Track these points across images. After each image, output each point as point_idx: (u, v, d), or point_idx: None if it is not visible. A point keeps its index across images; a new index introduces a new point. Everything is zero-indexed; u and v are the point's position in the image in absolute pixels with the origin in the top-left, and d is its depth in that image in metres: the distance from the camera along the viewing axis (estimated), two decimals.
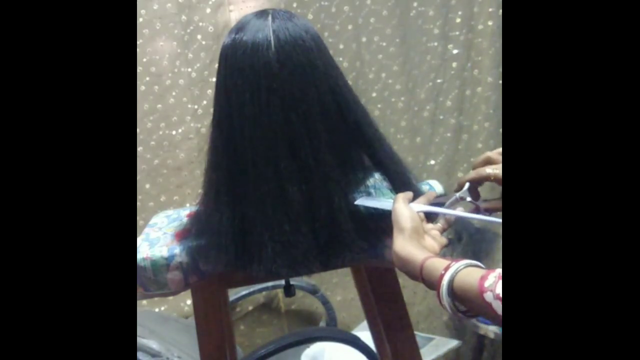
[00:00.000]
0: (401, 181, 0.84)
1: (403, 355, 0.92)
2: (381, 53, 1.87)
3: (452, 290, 0.63)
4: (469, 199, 0.78)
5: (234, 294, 1.72)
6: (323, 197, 0.78)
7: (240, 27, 0.79)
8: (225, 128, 0.80)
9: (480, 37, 1.88)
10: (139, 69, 1.76)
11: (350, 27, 1.85)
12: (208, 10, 1.77)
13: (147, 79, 1.78)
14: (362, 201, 0.80)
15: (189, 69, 1.79)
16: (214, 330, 0.92)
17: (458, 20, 1.87)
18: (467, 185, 0.78)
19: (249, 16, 0.80)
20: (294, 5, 1.79)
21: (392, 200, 0.77)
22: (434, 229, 0.75)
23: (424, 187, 0.90)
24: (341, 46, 1.85)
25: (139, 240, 0.90)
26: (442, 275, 0.64)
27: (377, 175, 0.86)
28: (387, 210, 0.77)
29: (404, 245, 0.71)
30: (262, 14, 0.80)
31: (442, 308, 0.65)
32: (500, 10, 1.85)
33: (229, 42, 0.79)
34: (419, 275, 0.67)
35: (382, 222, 0.82)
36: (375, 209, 0.80)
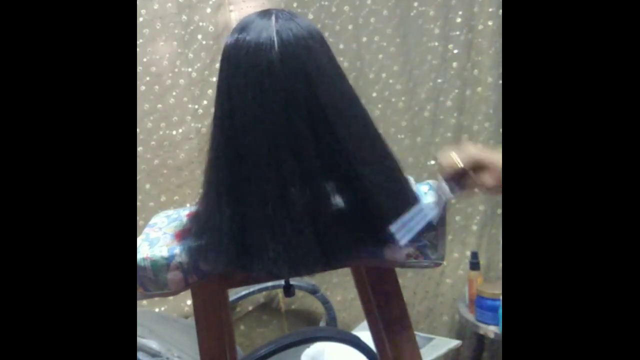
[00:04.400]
0: (395, 184, 0.84)
1: (403, 355, 0.92)
2: (381, 53, 1.87)
3: None
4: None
5: (234, 294, 1.72)
6: (325, 198, 0.78)
7: (243, 27, 0.79)
8: (227, 128, 0.80)
9: (480, 37, 1.88)
10: (139, 69, 1.76)
11: (350, 27, 1.85)
12: (208, 10, 1.77)
13: (148, 78, 1.78)
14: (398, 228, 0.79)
15: (190, 69, 1.79)
16: (214, 330, 0.92)
17: (458, 20, 1.88)
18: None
19: (252, 16, 0.80)
20: (294, 5, 1.79)
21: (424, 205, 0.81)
22: None
23: (424, 187, 0.90)
24: (341, 46, 1.85)
25: (139, 240, 0.90)
26: None
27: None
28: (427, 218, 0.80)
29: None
30: (265, 14, 0.79)
31: None
32: (500, 10, 1.85)
33: (232, 41, 0.79)
34: None
35: (383, 222, 0.82)
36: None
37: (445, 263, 0.90)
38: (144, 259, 0.85)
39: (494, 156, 0.82)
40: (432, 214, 0.81)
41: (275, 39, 0.76)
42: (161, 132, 1.81)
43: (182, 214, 0.99)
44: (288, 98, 0.76)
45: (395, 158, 0.86)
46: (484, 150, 0.84)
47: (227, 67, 0.80)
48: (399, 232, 0.78)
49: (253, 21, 0.79)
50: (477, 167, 0.83)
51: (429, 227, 0.82)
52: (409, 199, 0.83)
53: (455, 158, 0.83)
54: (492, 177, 0.81)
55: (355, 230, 0.80)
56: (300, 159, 0.77)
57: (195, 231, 0.85)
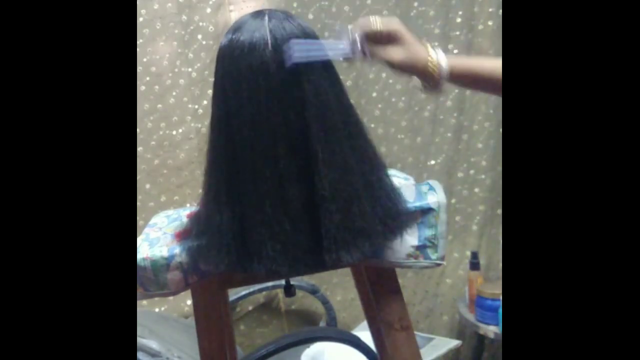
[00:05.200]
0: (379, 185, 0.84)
1: (403, 355, 0.92)
2: None
3: None
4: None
5: (234, 294, 1.72)
6: (323, 197, 0.78)
7: (237, 28, 0.79)
8: (224, 128, 0.80)
9: (480, 37, 1.88)
10: (139, 68, 1.76)
11: (350, 27, 1.84)
12: (208, 10, 1.77)
13: (148, 78, 1.78)
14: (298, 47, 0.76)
15: (190, 69, 1.79)
16: (214, 330, 0.92)
17: (458, 20, 1.87)
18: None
19: (246, 17, 0.81)
20: (294, 5, 1.79)
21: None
22: None
23: (424, 187, 0.90)
24: None
25: (139, 240, 0.90)
26: None
27: (392, 171, 0.87)
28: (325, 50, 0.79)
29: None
30: (258, 14, 0.80)
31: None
32: (500, 10, 1.85)
33: (226, 42, 0.79)
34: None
35: (383, 222, 0.82)
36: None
37: (445, 263, 0.90)
38: (144, 259, 0.85)
39: (412, 39, 0.82)
40: (336, 51, 0.80)
41: (269, 38, 0.76)
42: (161, 132, 1.81)
43: (182, 214, 0.99)
44: (283, 97, 0.77)
45: (383, 159, 0.87)
46: (406, 29, 0.83)
47: (222, 67, 0.80)
48: (294, 48, 0.75)
49: (246, 22, 0.79)
50: (390, 39, 0.82)
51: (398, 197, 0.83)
52: (399, 198, 0.84)
53: (376, 20, 0.82)
54: (400, 54, 0.81)
55: (355, 230, 0.80)
56: (297, 157, 0.78)
57: (195, 231, 0.85)
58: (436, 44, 0.81)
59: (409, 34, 0.82)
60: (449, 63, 0.81)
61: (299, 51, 0.75)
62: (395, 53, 0.82)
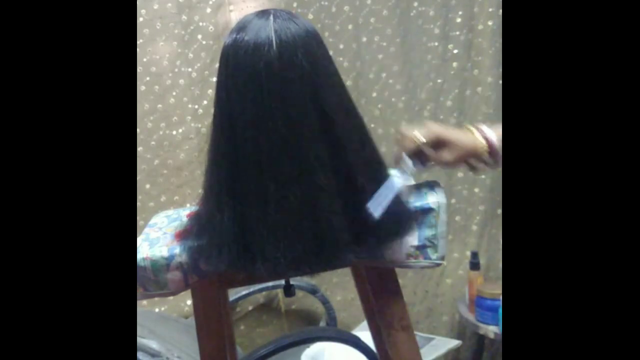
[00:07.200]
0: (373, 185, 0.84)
1: (403, 355, 0.92)
2: (381, 53, 1.87)
3: None
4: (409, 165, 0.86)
5: (234, 294, 1.72)
6: (324, 197, 0.78)
7: (241, 27, 0.79)
8: (226, 128, 0.80)
9: (480, 37, 1.88)
10: (139, 69, 1.76)
11: (350, 27, 1.85)
12: (208, 10, 1.78)
13: (148, 78, 1.78)
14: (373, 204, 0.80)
15: (190, 69, 1.79)
16: (214, 330, 0.92)
17: (458, 20, 1.87)
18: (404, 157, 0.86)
19: (250, 16, 0.80)
20: (294, 5, 1.79)
21: (393, 181, 0.82)
22: None
23: (424, 188, 0.90)
24: (341, 46, 1.85)
25: (139, 240, 0.90)
26: None
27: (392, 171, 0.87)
28: (394, 191, 0.81)
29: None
30: (263, 14, 0.80)
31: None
32: (500, 10, 1.85)
33: (231, 42, 0.79)
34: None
35: (384, 222, 0.82)
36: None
37: (445, 263, 0.90)
38: (144, 259, 0.85)
39: (454, 133, 0.87)
40: (397, 185, 0.83)
41: (274, 38, 0.76)
42: (161, 132, 1.81)
43: (182, 214, 0.99)
44: (286, 97, 0.76)
45: (383, 159, 0.87)
46: (444, 127, 0.87)
47: (226, 67, 0.80)
48: (371, 207, 0.79)
49: (251, 21, 0.79)
50: (437, 143, 0.86)
51: (398, 199, 0.83)
52: (399, 199, 0.84)
53: (417, 134, 0.86)
54: (451, 153, 0.86)
55: (355, 230, 0.80)
56: (300, 158, 0.78)
57: (196, 231, 0.85)
58: (479, 125, 0.88)
59: (450, 131, 0.87)
60: (497, 136, 0.85)
61: (376, 206, 0.79)
62: (446, 155, 0.86)
